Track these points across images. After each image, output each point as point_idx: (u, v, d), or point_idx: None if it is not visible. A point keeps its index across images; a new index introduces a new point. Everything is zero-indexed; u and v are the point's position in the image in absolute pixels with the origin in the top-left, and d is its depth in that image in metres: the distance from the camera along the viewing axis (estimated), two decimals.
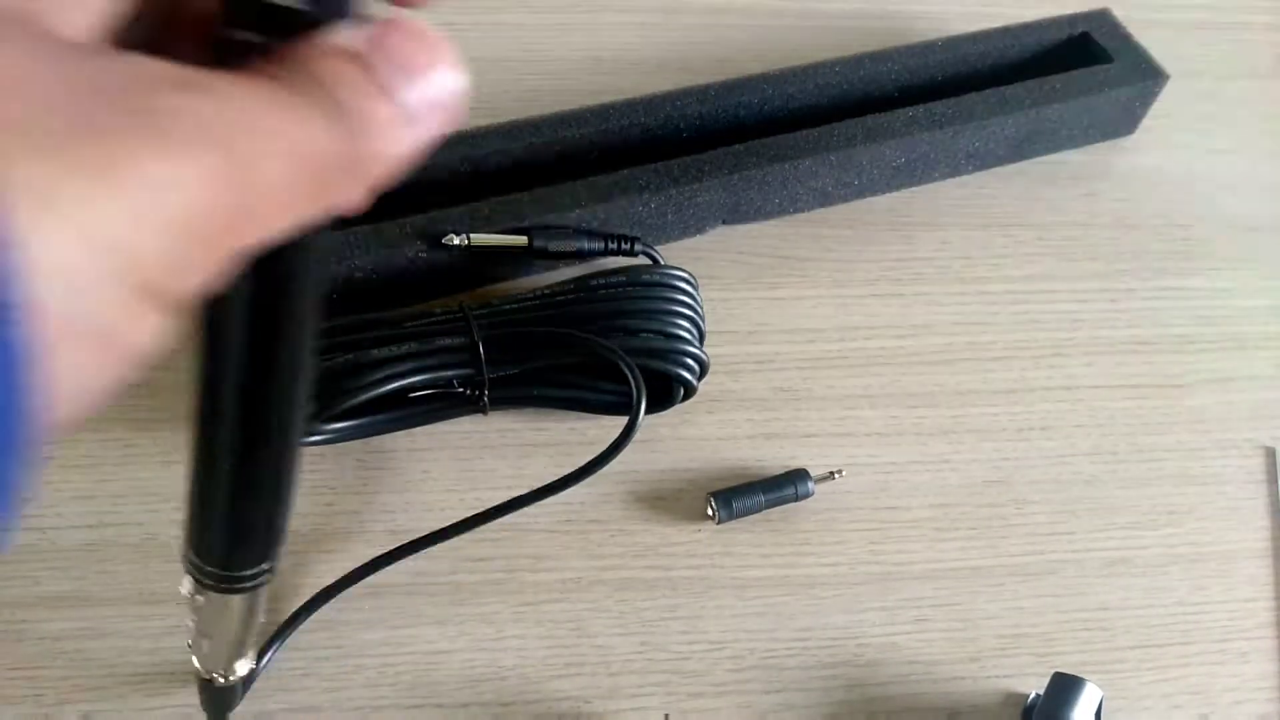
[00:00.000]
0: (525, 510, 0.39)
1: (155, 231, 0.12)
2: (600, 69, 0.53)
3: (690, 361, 0.39)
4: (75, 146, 0.11)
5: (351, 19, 0.16)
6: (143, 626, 0.35)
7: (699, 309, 0.41)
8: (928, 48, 0.50)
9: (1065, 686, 0.34)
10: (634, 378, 0.37)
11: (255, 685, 0.35)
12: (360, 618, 0.36)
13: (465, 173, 0.45)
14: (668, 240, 0.47)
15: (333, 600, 0.36)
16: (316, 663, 0.35)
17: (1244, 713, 0.37)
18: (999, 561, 0.40)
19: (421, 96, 0.15)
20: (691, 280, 0.41)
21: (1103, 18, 0.52)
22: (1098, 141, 0.52)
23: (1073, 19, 0.52)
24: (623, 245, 0.43)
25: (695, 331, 0.40)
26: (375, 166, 0.15)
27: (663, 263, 0.43)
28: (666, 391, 0.40)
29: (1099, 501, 0.41)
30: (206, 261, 0.13)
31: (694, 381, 0.39)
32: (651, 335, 0.39)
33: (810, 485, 0.39)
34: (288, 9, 0.15)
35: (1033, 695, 0.36)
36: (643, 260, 0.43)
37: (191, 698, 0.34)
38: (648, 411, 0.40)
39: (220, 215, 0.13)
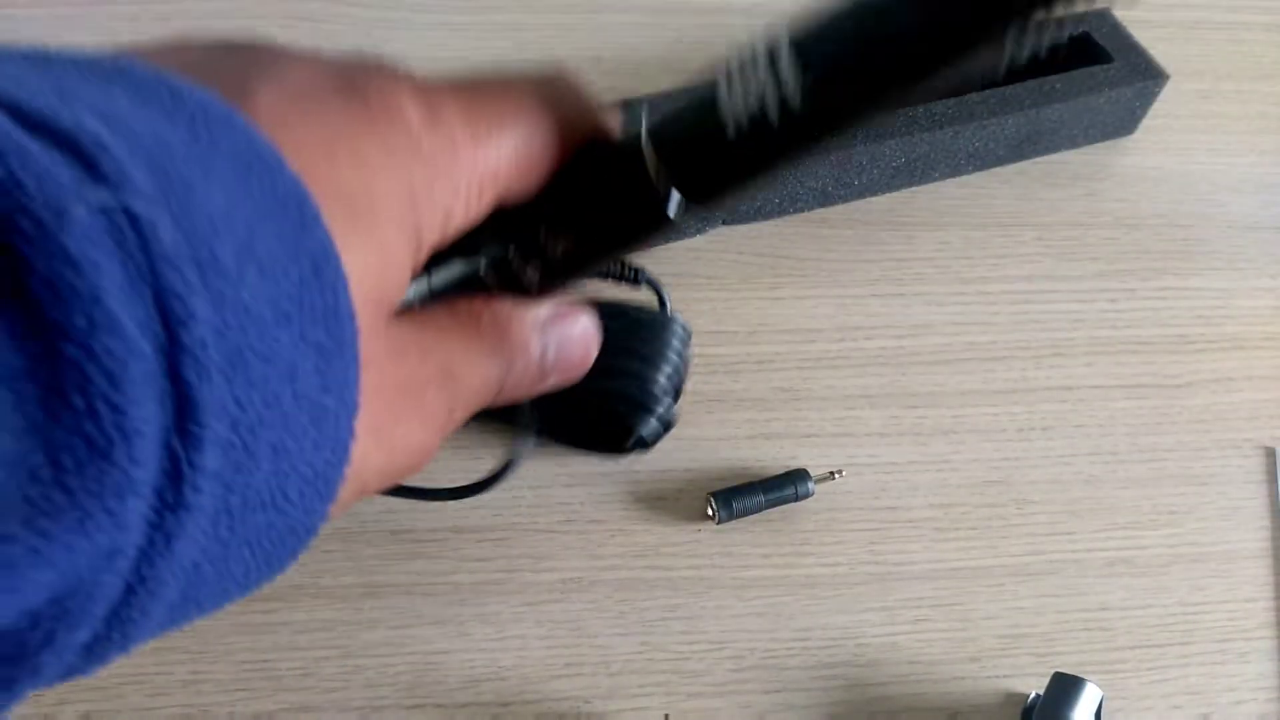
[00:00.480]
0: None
1: (390, 472, 0.18)
2: (600, 69, 0.53)
3: (655, 421, 0.38)
4: (378, 432, 0.17)
5: (559, 298, 0.21)
6: None
7: (684, 363, 0.39)
8: None
9: (1065, 686, 0.34)
10: (529, 419, 0.36)
11: (255, 685, 0.35)
12: (360, 618, 0.36)
13: None
14: (668, 240, 0.47)
15: (333, 601, 0.36)
16: (316, 663, 0.35)
17: (1244, 713, 0.37)
18: (999, 561, 0.40)
19: (562, 368, 0.21)
20: (686, 331, 0.39)
21: (1103, 18, 0.52)
22: (1098, 141, 0.52)
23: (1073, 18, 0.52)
24: (627, 274, 0.42)
25: (672, 389, 0.38)
26: (504, 399, 0.21)
27: (668, 304, 0.40)
28: (623, 438, 0.38)
29: (1099, 501, 0.41)
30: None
31: (649, 441, 0.38)
32: (627, 380, 0.37)
33: (810, 485, 0.39)
34: (525, 286, 0.21)
35: (1033, 695, 0.36)
36: (647, 294, 0.42)
37: (192, 697, 0.34)
38: (604, 453, 0.39)
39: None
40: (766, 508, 0.39)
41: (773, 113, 0.18)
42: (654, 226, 0.20)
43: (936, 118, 0.47)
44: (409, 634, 0.36)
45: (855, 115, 0.18)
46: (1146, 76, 0.50)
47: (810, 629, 0.38)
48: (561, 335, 0.21)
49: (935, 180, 0.50)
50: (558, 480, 0.40)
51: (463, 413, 0.19)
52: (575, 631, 0.37)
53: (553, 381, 0.21)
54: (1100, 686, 0.34)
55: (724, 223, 0.47)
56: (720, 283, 0.46)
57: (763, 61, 0.18)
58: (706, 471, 0.40)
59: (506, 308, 0.20)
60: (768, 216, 0.48)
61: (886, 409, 0.43)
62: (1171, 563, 0.40)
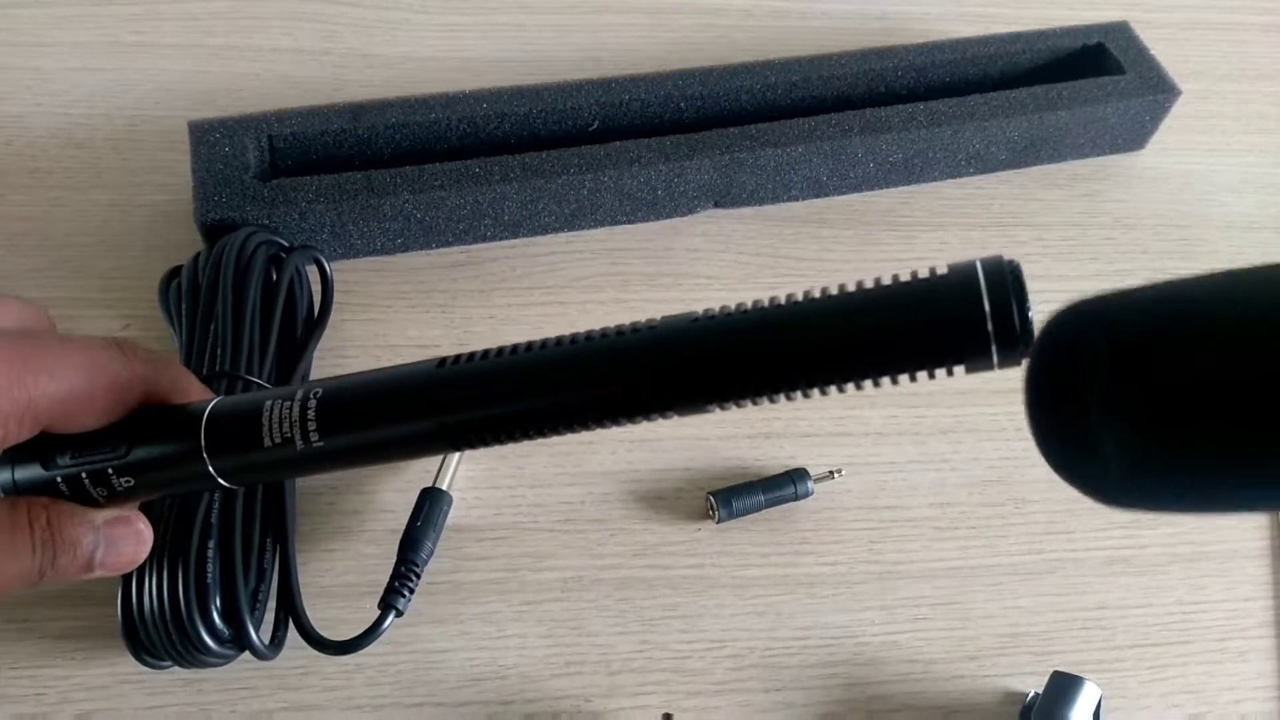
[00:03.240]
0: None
1: None
2: (600, 70, 0.53)
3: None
4: None
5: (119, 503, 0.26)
6: None
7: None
8: (936, 47, 0.50)
9: (1064, 685, 0.34)
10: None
11: (256, 684, 0.35)
12: (360, 617, 0.36)
13: (463, 133, 0.46)
14: (658, 218, 0.47)
15: (333, 599, 0.37)
16: (317, 661, 0.35)
17: (1242, 712, 0.37)
18: (998, 561, 0.40)
19: (110, 563, 0.26)
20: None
21: (1120, 30, 0.51)
22: (1106, 154, 0.52)
23: (1089, 29, 0.51)
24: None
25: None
26: (48, 584, 0.25)
27: None
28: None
29: None
30: None
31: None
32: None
33: (810, 484, 0.40)
34: (95, 500, 0.25)
35: (1031, 694, 0.36)
36: None
37: (193, 696, 0.34)
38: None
39: None
40: (766, 507, 0.39)
41: (297, 444, 0.24)
42: (203, 486, 0.25)
43: (936, 116, 0.47)
44: (409, 632, 0.36)
45: (362, 464, 0.25)
46: (1158, 90, 0.49)
47: (810, 628, 0.38)
48: (114, 536, 0.26)
49: (935, 180, 0.50)
50: (558, 480, 0.40)
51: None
52: (575, 630, 0.37)
53: (100, 573, 0.26)
54: (1099, 685, 0.34)
55: (715, 205, 0.48)
56: (720, 283, 0.46)
57: (297, 409, 0.24)
58: (706, 471, 0.40)
59: (65, 510, 0.25)
60: (760, 202, 0.48)
61: (885, 408, 0.43)
62: (1170, 562, 0.40)
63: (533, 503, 0.39)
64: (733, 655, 0.37)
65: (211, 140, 0.43)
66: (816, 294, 0.21)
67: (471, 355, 0.23)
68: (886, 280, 0.21)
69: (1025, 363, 0.20)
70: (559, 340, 0.23)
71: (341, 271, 0.44)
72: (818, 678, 0.37)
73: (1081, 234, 0.49)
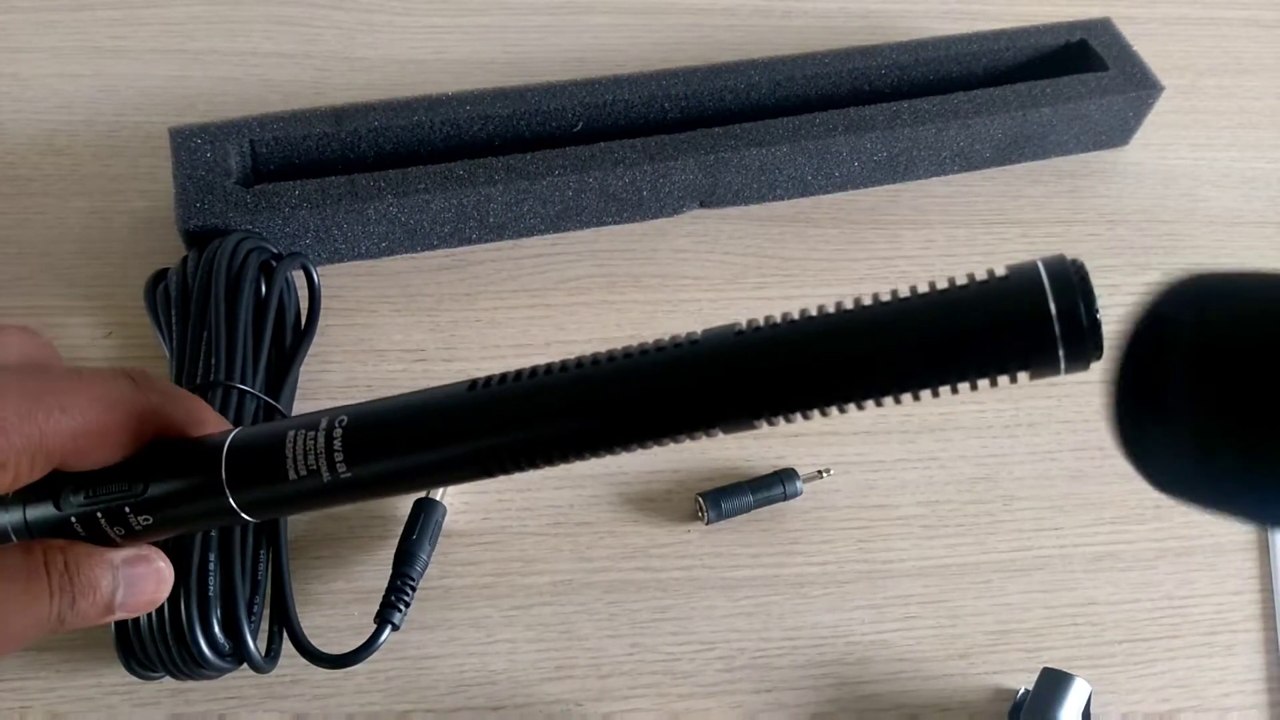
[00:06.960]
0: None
1: None
2: (584, 71, 0.53)
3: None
4: None
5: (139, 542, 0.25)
6: None
7: None
8: (920, 45, 0.50)
9: (1054, 681, 0.34)
10: None
11: (245, 693, 0.35)
12: (349, 624, 0.36)
13: (447, 136, 0.46)
14: (643, 219, 0.47)
15: (321, 607, 0.36)
16: (306, 669, 0.35)
17: (1231, 705, 0.38)
18: (987, 558, 0.40)
19: (131, 605, 0.25)
20: None
21: (1103, 27, 0.52)
22: (1090, 151, 0.52)
23: (1071, 26, 0.51)
24: None
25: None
26: (68, 629, 0.24)
27: None
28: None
29: (1086, 497, 0.42)
30: None
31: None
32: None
33: (798, 484, 0.40)
34: (112, 540, 0.24)
35: (1022, 691, 0.36)
36: None
37: (181, 706, 0.34)
38: None
39: None
40: (755, 507, 0.39)
41: (324, 476, 0.22)
42: (225, 521, 0.24)
43: (920, 114, 0.47)
44: (398, 639, 0.36)
45: (392, 494, 0.24)
46: (1140, 87, 0.49)
47: (800, 628, 0.38)
48: (134, 576, 0.25)
49: (919, 179, 0.50)
50: (546, 483, 0.40)
51: (2, 653, 0.23)
52: (565, 634, 0.37)
53: (120, 615, 0.25)
54: (1089, 681, 0.34)
55: (700, 204, 0.48)
56: (707, 283, 0.46)
57: (322, 439, 0.23)
58: (695, 472, 0.40)
59: (82, 552, 0.24)
60: (745, 202, 0.48)
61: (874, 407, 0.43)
62: (1158, 556, 0.40)
63: (521, 506, 0.39)
64: (723, 657, 0.37)
65: (193, 146, 0.42)
66: (867, 300, 0.20)
67: (504, 377, 0.22)
68: (941, 284, 0.20)
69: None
70: (595, 359, 0.22)
71: (325, 276, 0.44)
72: (808, 678, 0.37)
73: (1066, 230, 0.49)
